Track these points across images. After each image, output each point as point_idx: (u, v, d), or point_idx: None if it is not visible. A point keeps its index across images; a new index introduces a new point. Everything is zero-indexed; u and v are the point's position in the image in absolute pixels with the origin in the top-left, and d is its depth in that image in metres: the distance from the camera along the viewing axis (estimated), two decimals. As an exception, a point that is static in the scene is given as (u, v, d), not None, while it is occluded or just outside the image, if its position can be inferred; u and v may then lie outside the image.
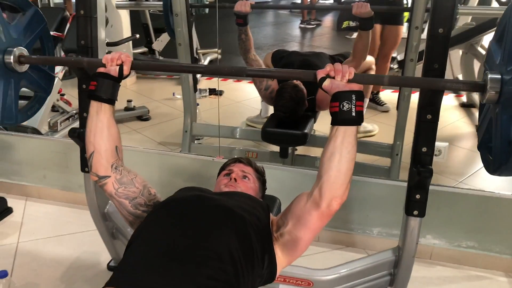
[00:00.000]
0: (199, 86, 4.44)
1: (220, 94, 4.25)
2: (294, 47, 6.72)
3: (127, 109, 3.80)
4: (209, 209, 1.21)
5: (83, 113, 1.70)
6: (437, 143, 1.46)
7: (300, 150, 2.83)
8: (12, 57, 1.52)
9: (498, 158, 1.18)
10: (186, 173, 2.35)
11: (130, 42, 4.31)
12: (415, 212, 1.49)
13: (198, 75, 4.71)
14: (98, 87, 1.29)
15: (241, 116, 3.77)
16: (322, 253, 2.22)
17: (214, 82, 4.44)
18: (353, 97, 1.12)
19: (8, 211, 2.48)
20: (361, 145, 2.68)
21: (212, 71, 1.22)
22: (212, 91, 4.28)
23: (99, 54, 1.69)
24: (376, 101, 3.76)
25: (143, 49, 5.14)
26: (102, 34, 1.73)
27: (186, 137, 2.81)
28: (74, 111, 3.52)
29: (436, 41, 1.34)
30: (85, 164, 1.75)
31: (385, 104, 3.70)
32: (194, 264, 1.05)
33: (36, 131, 2.92)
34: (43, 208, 2.58)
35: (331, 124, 1.16)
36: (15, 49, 1.52)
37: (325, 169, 1.13)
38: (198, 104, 3.39)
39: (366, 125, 3.29)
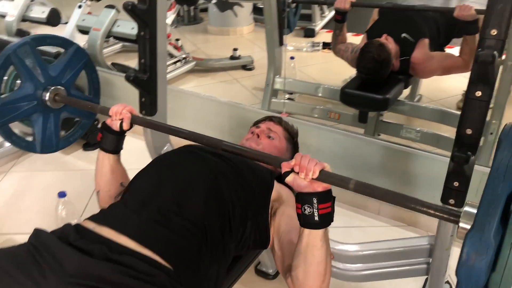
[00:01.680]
0: (316, 39, 4.37)
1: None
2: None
3: (232, 57, 3.89)
4: (194, 168, 1.23)
5: (141, 59, 1.79)
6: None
7: (387, 116, 2.63)
8: (48, 95, 1.69)
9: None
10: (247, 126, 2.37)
11: None
12: (451, 201, 1.30)
13: (317, 27, 4.64)
14: (103, 139, 1.38)
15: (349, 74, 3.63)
16: (378, 227, 2.10)
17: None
18: (314, 200, 0.99)
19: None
20: (448, 116, 2.39)
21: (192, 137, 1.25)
22: (327, 45, 4.16)
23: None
24: None
25: None
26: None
27: (267, 91, 2.80)
28: (184, 55, 3.74)
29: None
30: (143, 107, 1.86)
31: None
32: (160, 216, 1.09)
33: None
34: (134, 142, 2.83)
35: None
36: (52, 88, 1.69)
37: (294, 266, 1.07)
38: (293, 58, 3.34)
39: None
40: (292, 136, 1.55)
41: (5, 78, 1.83)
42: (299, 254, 1.04)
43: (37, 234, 1.07)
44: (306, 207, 0.99)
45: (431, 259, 1.48)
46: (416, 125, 2.55)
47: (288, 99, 3.04)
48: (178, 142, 2.90)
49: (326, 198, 1.01)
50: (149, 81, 1.77)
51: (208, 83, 3.73)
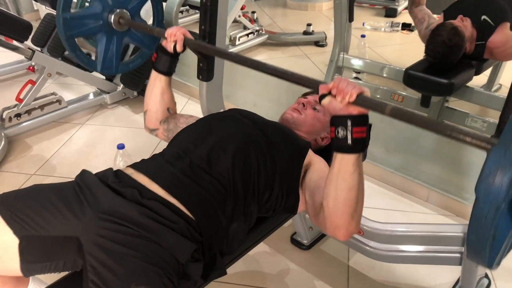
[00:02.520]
0: (396, 19, 4.21)
1: (412, 30, 3.95)
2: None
3: (305, 32, 3.87)
4: (230, 131, 1.27)
5: (202, 26, 1.86)
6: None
7: (455, 103, 2.51)
8: (113, 17, 1.78)
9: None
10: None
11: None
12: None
13: (400, 7, 4.46)
14: (157, 59, 1.44)
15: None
16: (424, 214, 2.04)
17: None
18: (349, 122, 0.96)
19: (171, 104, 2.97)
20: None
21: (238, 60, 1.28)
22: (406, 26, 4.00)
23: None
24: None
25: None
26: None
27: (330, 67, 2.77)
28: (257, 28, 3.80)
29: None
30: (200, 73, 1.95)
31: None
32: (190, 170, 1.17)
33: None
34: (191, 105, 2.99)
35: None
36: (117, 10, 1.77)
37: (325, 195, 1.06)
38: (364, 36, 3.26)
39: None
40: None
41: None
42: (331, 182, 1.02)
43: (83, 174, 1.20)
44: (339, 130, 0.97)
45: (463, 248, 1.43)
46: (489, 115, 2.40)
47: (355, 78, 2.99)
48: (225, 106, 2.99)
49: (362, 121, 0.97)
50: (208, 47, 1.84)
51: (278, 56, 3.76)
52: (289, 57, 3.73)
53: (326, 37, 3.84)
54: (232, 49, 3.58)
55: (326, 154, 1.35)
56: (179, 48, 1.42)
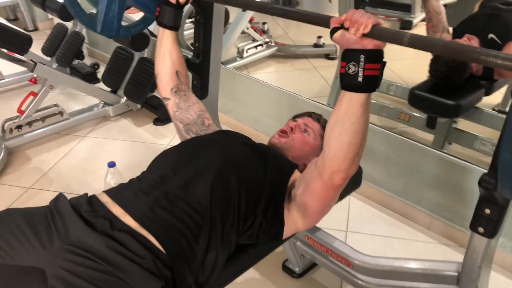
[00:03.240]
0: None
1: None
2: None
3: (315, 45, 3.81)
4: (211, 157, 1.22)
5: (196, 43, 1.83)
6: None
7: (463, 124, 2.40)
8: None
9: None
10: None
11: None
12: (480, 230, 1.17)
13: (415, 19, 4.35)
14: (161, 13, 1.36)
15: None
16: (424, 243, 1.94)
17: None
18: (362, 58, 0.89)
19: (174, 117, 2.93)
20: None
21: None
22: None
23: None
24: None
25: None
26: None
27: (335, 84, 2.70)
28: (266, 40, 3.75)
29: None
30: (194, 90, 1.90)
31: None
32: (166, 200, 1.12)
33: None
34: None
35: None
36: None
37: (327, 139, 1.00)
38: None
39: None
40: None
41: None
42: (335, 124, 0.96)
43: (57, 200, 1.16)
44: (351, 65, 0.89)
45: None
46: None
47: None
48: (226, 121, 2.93)
49: (376, 58, 0.90)
50: (201, 65, 1.80)
51: (287, 69, 3.70)
52: (297, 70, 3.67)
53: (336, 50, 3.77)
54: (240, 61, 3.54)
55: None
56: None
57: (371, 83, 0.91)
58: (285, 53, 3.84)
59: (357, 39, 0.90)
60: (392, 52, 4.07)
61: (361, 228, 2.02)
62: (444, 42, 0.86)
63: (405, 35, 0.86)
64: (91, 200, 1.16)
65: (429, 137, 2.49)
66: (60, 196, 1.18)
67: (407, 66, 3.65)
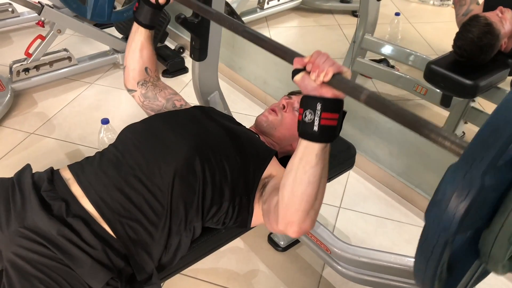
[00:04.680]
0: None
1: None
2: None
3: (342, 0, 3.59)
4: (180, 138, 1.15)
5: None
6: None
7: (481, 103, 2.25)
8: None
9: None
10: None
11: None
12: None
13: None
14: (139, 10, 1.28)
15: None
16: (418, 227, 1.87)
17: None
18: (319, 106, 0.84)
19: (184, 70, 2.86)
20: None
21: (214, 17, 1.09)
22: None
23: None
24: None
25: None
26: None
27: (351, 49, 2.54)
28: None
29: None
30: (192, 51, 1.81)
31: None
32: (125, 182, 1.08)
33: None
34: (188, 78, 2.86)
35: None
36: None
37: (282, 185, 0.94)
38: (398, 14, 2.96)
39: None
40: None
41: None
42: (290, 171, 0.92)
43: (21, 173, 1.14)
44: (307, 113, 0.86)
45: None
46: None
47: (383, 59, 2.75)
48: (235, 79, 2.83)
49: (334, 107, 0.86)
50: (200, 25, 1.70)
51: (309, 25, 3.52)
52: (320, 26, 3.49)
53: (364, 7, 3.53)
54: (260, 13, 3.38)
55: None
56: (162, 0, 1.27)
57: (327, 133, 0.86)
58: (310, 7, 3.63)
59: (316, 86, 0.84)
60: (425, 13, 3.82)
61: (355, 205, 1.96)
62: (397, 108, 0.77)
63: (362, 91, 0.79)
64: (53, 177, 1.13)
65: (445, 113, 2.36)
66: (25, 169, 1.15)
67: (437, 30, 3.42)
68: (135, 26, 1.31)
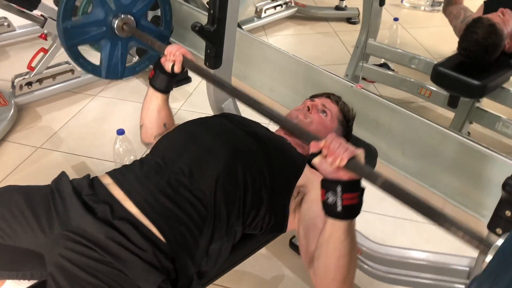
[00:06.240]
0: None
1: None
2: None
3: (337, 7, 3.65)
4: (219, 143, 1.16)
5: (210, 10, 1.73)
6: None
7: (486, 104, 2.30)
8: (117, 22, 1.70)
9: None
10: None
11: None
12: (498, 231, 1.12)
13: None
14: (155, 77, 1.36)
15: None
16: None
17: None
18: (339, 188, 0.89)
19: (187, 80, 2.86)
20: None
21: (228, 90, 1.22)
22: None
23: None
24: None
25: None
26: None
27: (355, 54, 2.58)
28: (287, 0, 3.59)
29: None
30: (207, 59, 1.82)
31: None
32: (169, 186, 1.08)
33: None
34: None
35: None
36: (122, 16, 1.66)
37: (316, 255, 0.98)
38: (397, 19, 3.02)
39: None
40: (346, 120, 1.42)
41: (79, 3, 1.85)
42: (321, 245, 0.96)
43: (59, 180, 1.13)
44: (329, 195, 0.90)
45: (468, 281, 1.32)
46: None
47: (384, 63, 2.80)
48: (240, 88, 2.86)
49: (353, 188, 0.90)
50: (216, 33, 1.71)
51: (306, 32, 3.56)
52: (317, 33, 3.53)
53: (359, 14, 3.61)
54: (257, 22, 3.41)
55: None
56: (177, 69, 1.34)
57: (350, 212, 0.91)
58: (305, 15, 3.69)
59: (333, 170, 0.89)
60: (417, 19, 3.92)
61: (372, 207, 1.98)
62: (415, 197, 0.84)
63: (378, 177, 0.84)
64: (93, 183, 1.13)
65: (449, 114, 2.41)
66: (62, 176, 1.15)
67: (431, 35, 3.50)
68: (151, 91, 1.38)
